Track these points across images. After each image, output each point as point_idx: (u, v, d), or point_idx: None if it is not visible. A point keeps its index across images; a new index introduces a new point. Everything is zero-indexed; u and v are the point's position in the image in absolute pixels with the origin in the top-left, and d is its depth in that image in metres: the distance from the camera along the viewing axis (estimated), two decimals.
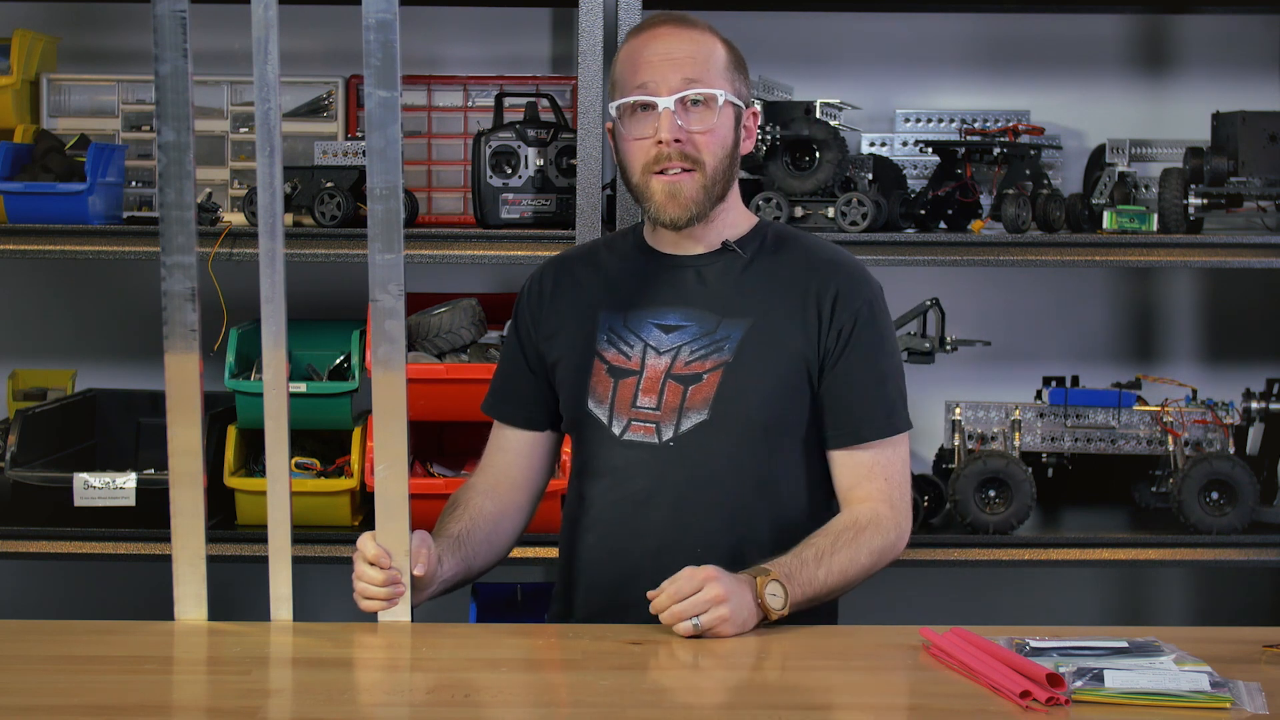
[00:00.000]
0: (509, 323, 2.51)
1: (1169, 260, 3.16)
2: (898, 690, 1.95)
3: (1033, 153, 3.25)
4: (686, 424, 2.30)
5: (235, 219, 3.22)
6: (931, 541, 3.14)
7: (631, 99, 2.30)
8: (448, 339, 3.13)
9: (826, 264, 2.36)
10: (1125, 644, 1.97)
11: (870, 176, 3.21)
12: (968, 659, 1.93)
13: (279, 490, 2.16)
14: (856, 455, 2.31)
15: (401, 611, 2.16)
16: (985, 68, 3.65)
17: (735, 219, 2.39)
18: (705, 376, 2.31)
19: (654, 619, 2.08)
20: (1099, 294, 3.70)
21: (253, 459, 3.20)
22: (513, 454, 2.46)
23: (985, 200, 3.29)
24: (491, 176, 3.14)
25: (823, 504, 2.36)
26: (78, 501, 3.08)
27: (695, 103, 2.28)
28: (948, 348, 3.24)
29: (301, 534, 2.99)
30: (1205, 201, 3.20)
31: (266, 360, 2.14)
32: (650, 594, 2.09)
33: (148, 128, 3.39)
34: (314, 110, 3.43)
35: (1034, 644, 1.97)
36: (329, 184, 3.13)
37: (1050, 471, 3.31)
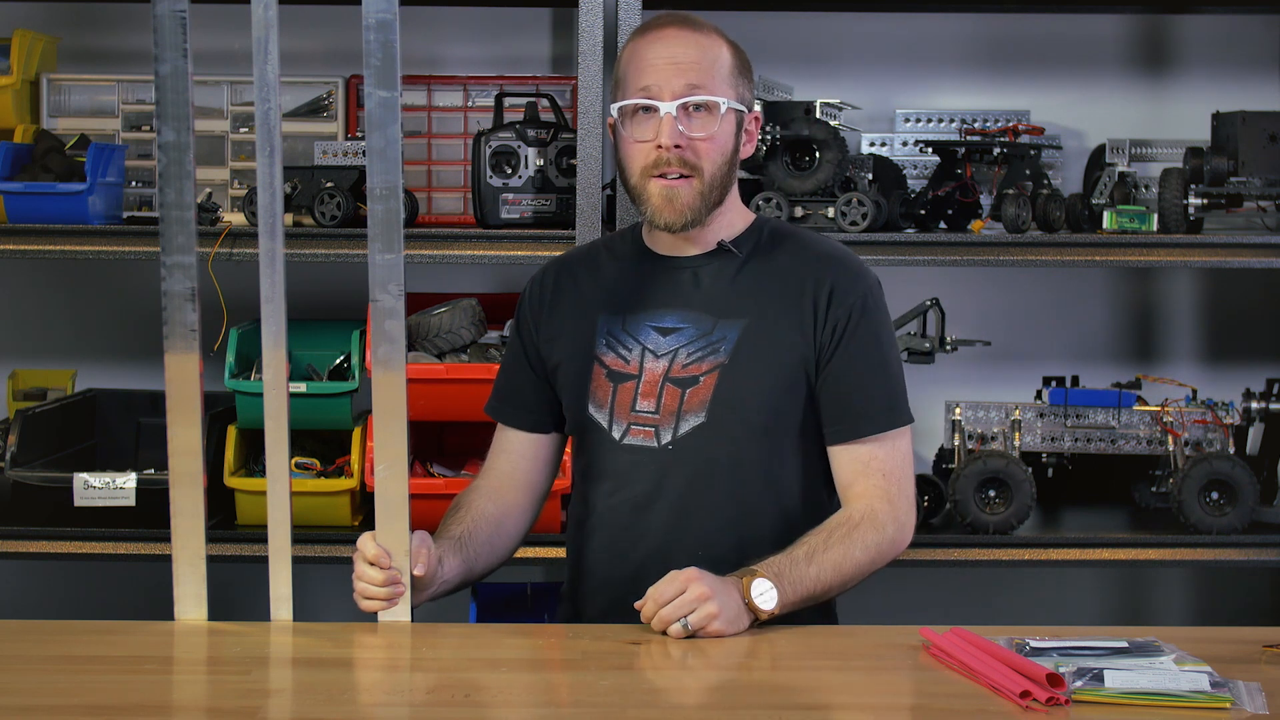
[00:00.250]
0: (510, 323, 2.51)
1: (1169, 260, 3.16)
2: (898, 690, 1.95)
3: (1033, 153, 3.25)
4: (685, 427, 2.30)
5: (235, 219, 3.22)
6: (931, 541, 3.14)
7: (633, 101, 2.29)
8: (448, 339, 3.13)
9: (821, 259, 2.36)
10: (1125, 644, 1.97)
11: (870, 176, 3.21)
12: (968, 659, 1.92)
13: (279, 490, 2.16)
14: (854, 450, 2.31)
15: (401, 611, 2.16)
16: (985, 68, 3.65)
17: (732, 219, 2.39)
18: (702, 379, 2.31)
19: None
20: (1099, 294, 3.70)
21: (253, 459, 3.20)
22: (516, 456, 2.46)
23: (985, 200, 3.29)
24: (491, 176, 3.14)
25: (826, 502, 2.35)
26: (78, 501, 3.08)
27: (697, 109, 2.28)
28: (948, 348, 3.24)
29: (301, 534, 2.99)
30: (1205, 201, 3.20)
31: (266, 360, 2.14)
32: (637, 605, 2.09)
33: (148, 128, 3.39)
34: (314, 110, 3.43)
35: (1034, 644, 1.96)
36: (329, 184, 3.13)
37: (1050, 471, 3.31)
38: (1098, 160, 3.39)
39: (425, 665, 2.04)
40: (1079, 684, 1.81)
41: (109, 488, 3.08)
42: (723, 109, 2.28)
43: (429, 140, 3.45)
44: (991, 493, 3.15)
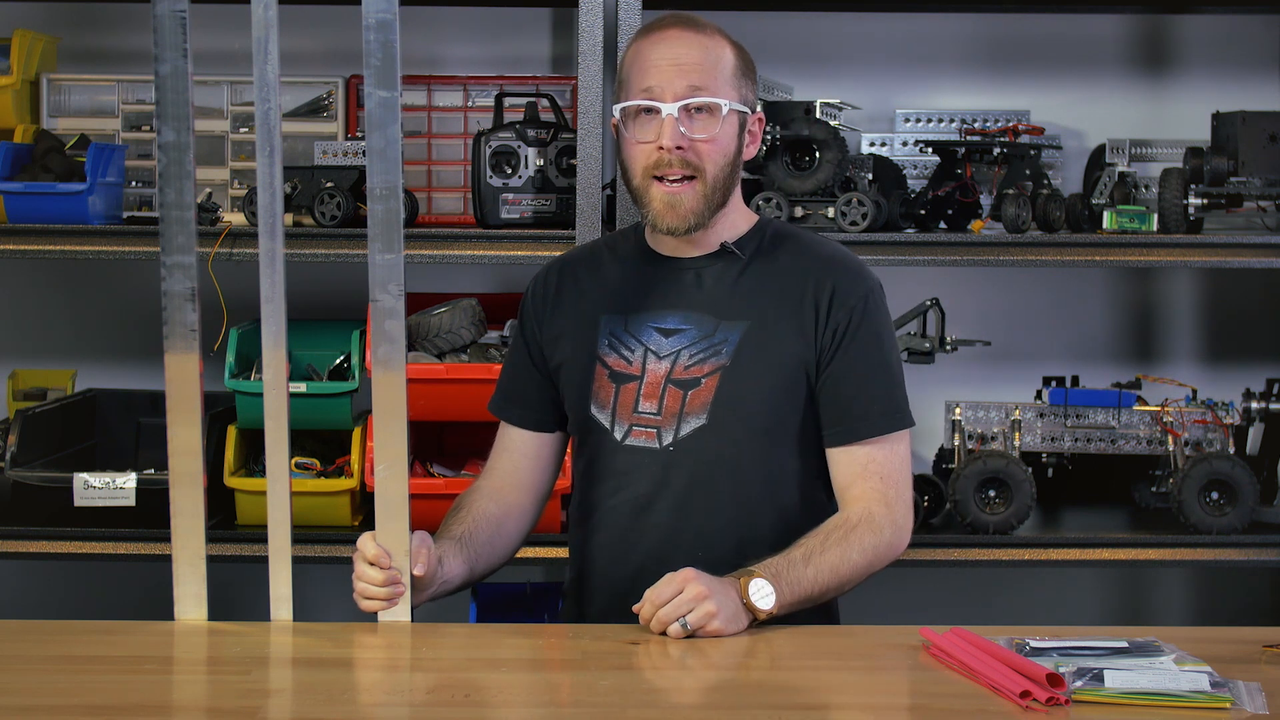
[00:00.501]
0: (511, 323, 2.51)
1: (1169, 260, 3.16)
2: (898, 690, 1.95)
3: (1033, 153, 3.25)
4: (686, 428, 2.31)
5: (235, 219, 3.22)
6: (931, 541, 3.14)
7: (635, 103, 2.29)
8: (448, 339, 3.13)
9: (823, 261, 2.36)
10: (1125, 644, 1.97)
11: (870, 176, 3.21)
12: (968, 659, 1.93)
13: (279, 490, 2.16)
14: (852, 453, 2.30)
15: (401, 611, 2.16)
16: (985, 68, 3.65)
17: (735, 220, 2.39)
18: (704, 381, 2.31)
19: None
20: (1099, 294, 3.70)
21: (253, 459, 3.20)
22: (518, 455, 2.46)
23: (985, 200, 3.29)
24: (491, 176, 3.14)
25: (826, 504, 2.35)
26: (78, 501, 3.08)
27: (699, 110, 2.28)
28: (948, 348, 3.24)
29: (301, 534, 2.99)
30: (1205, 201, 3.20)
31: (266, 360, 2.14)
32: (635, 607, 2.09)
33: (148, 128, 3.39)
34: (314, 110, 3.43)
35: (1034, 644, 1.97)
36: (329, 184, 3.13)
37: (1050, 471, 3.31)
38: (1098, 160, 3.39)
39: (425, 665, 2.04)
40: (1079, 684, 1.81)
41: (109, 488, 3.08)
42: (724, 110, 2.28)
43: (429, 140, 3.45)
44: (991, 493, 3.15)
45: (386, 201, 2.10)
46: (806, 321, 2.31)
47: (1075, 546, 3.16)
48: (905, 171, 3.38)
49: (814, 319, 2.31)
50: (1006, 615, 3.66)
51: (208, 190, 3.32)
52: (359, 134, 3.34)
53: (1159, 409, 3.27)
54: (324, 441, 3.25)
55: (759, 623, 2.12)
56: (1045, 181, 3.25)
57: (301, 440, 3.20)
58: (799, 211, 3.13)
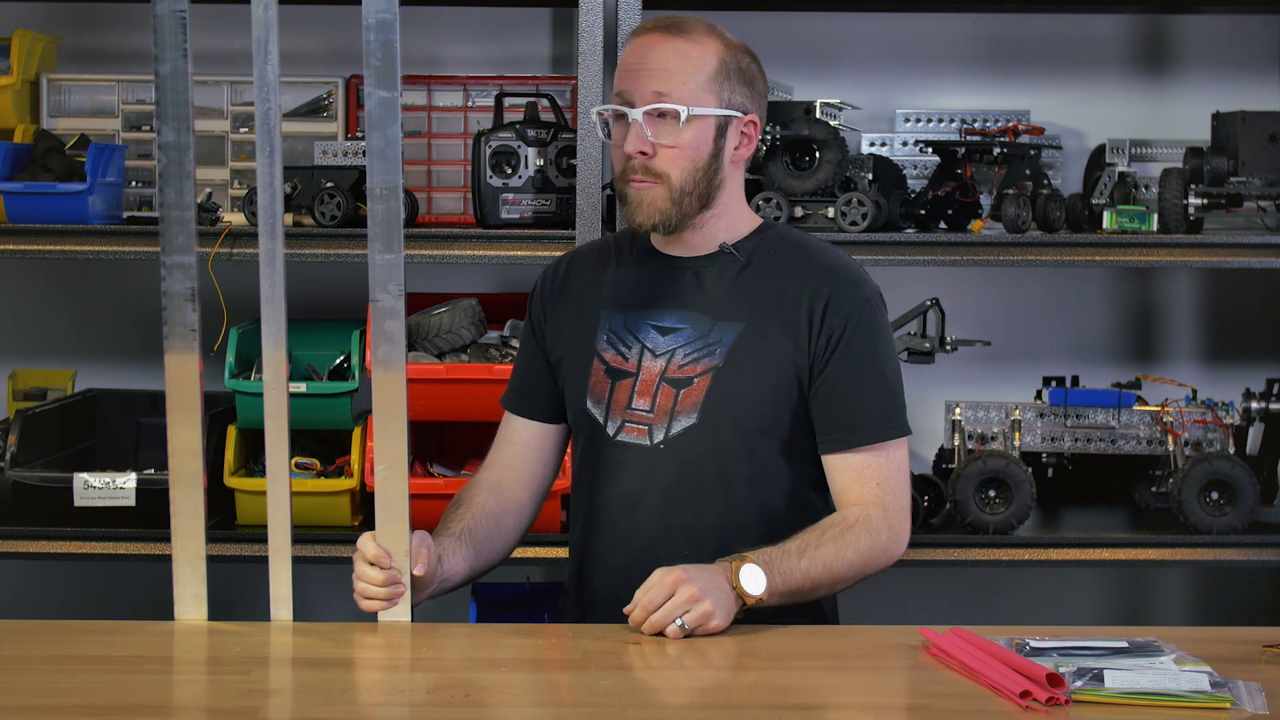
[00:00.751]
0: (512, 322, 2.51)
1: (1169, 260, 3.16)
2: (897, 690, 1.95)
3: (1033, 153, 3.25)
4: (677, 427, 2.31)
5: (235, 219, 3.22)
6: (931, 541, 3.14)
7: (608, 107, 2.32)
8: (448, 339, 3.13)
9: (821, 268, 2.35)
10: (1125, 644, 1.97)
11: (870, 176, 3.21)
12: (968, 659, 1.93)
13: (279, 490, 2.16)
14: (848, 460, 2.30)
15: (401, 611, 2.16)
16: (985, 68, 3.65)
17: (734, 221, 2.38)
18: (696, 380, 2.31)
19: None
20: (1099, 294, 3.70)
21: (253, 459, 3.20)
22: (520, 445, 2.46)
23: (985, 200, 3.29)
24: (491, 176, 3.14)
25: (814, 509, 2.34)
26: (78, 501, 3.08)
27: (661, 116, 2.27)
28: (948, 348, 3.24)
29: (301, 534, 2.99)
30: (1205, 201, 3.20)
31: (266, 360, 2.15)
32: (625, 610, 2.09)
33: (148, 128, 3.39)
34: (314, 110, 3.43)
35: (1034, 644, 1.97)
36: (329, 184, 3.13)
37: (1050, 471, 3.31)
38: (1098, 160, 3.39)
39: (425, 665, 2.04)
40: (1079, 684, 1.81)
41: (109, 488, 3.08)
42: (683, 116, 2.27)
43: (429, 140, 3.45)
44: (991, 493, 3.15)
45: (386, 201, 2.10)
46: (800, 327, 2.30)
47: (1075, 546, 3.16)
48: (905, 171, 3.38)
49: (808, 325, 2.30)
50: (1006, 615, 3.66)
51: (208, 190, 3.32)
52: (359, 134, 3.34)
53: (1159, 409, 3.27)
54: (324, 441, 3.25)
55: (746, 608, 2.11)
56: (1045, 181, 3.25)
57: (301, 440, 3.20)
58: (799, 211, 3.13)
